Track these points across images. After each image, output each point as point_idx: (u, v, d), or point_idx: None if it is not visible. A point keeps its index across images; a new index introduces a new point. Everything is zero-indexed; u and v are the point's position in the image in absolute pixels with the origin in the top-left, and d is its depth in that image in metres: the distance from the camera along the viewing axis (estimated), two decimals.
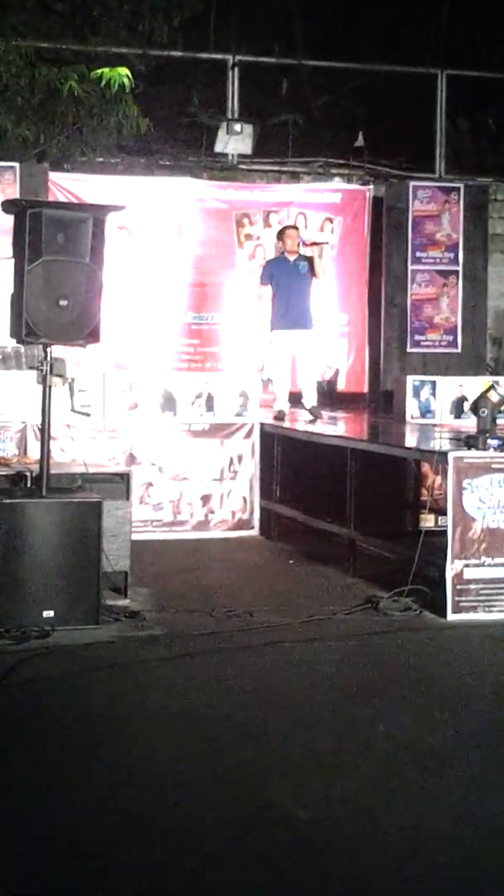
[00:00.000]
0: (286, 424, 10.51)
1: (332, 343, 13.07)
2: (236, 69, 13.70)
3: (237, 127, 13.41)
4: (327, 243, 12.63)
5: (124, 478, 8.03)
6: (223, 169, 13.50)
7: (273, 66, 14.69)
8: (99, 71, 11.94)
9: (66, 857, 4.10)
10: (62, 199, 12.11)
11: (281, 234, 11.40)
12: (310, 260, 11.01)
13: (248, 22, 15.26)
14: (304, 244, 11.34)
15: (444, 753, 5.17)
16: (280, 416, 10.74)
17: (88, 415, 9.61)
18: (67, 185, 12.53)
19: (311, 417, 10.68)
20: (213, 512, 10.15)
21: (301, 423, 10.62)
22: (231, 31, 15.06)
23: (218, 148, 13.50)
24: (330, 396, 12.36)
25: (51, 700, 5.84)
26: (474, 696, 6.01)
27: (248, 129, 13.46)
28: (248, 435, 10.30)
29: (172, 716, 5.63)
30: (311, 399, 10.92)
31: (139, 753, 5.14)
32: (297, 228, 11.67)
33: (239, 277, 13.04)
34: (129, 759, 5.07)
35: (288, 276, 10.91)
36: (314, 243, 11.43)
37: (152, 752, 5.15)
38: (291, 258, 11.03)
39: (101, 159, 12.98)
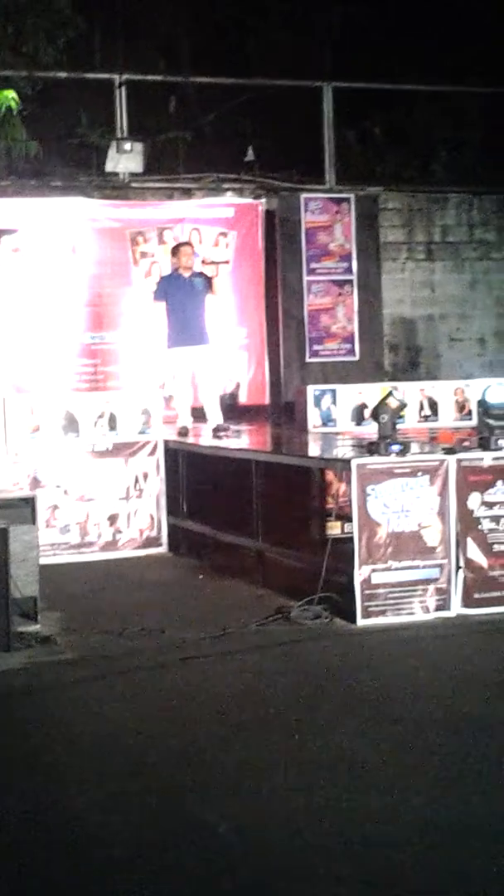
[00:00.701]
0: (190, 440, 10.52)
1: (232, 356, 13.14)
2: (123, 88, 13.70)
3: (127, 146, 13.41)
4: (226, 262, 12.67)
5: (29, 502, 7.97)
6: (115, 188, 13.49)
7: (160, 83, 14.71)
8: None
9: None
10: None
11: (175, 251, 11.39)
12: (208, 278, 11.05)
13: (134, 40, 15.29)
14: (204, 262, 11.37)
15: (365, 758, 5.21)
16: (184, 433, 10.76)
17: None
18: None
19: (224, 433, 10.64)
20: (120, 531, 10.11)
21: (205, 438, 10.64)
22: (117, 50, 15.07)
23: (109, 167, 13.48)
24: (232, 409, 12.41)
25: None
26: (389, 700, 6.06)
27: (138, 147, 13.46)
28: (153, 452, 10.28)
29: (90, 738, 5.60)
30: (215, 417, 10.93)
31: (58, 777, 5.11)
32: (191, 245, 11.69)
33: (135, 295, 13.03)
34: (47, 782, 5.04)
35: (183, 292, 10.92)
36: (213, 262, 11.48)
37: (71, 774, 5.12)
38: (186, 274, 11.04)
39: None
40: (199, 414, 11.14)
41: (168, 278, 11.34)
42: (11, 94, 11.84)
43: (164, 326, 11.04)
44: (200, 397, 11.11)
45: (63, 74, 13.90)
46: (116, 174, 13.53)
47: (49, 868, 4.23)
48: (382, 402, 8.18)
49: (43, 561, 7.97)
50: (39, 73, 13.64)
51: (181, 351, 10.94)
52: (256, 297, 13.47)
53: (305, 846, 4.33)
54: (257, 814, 4.63)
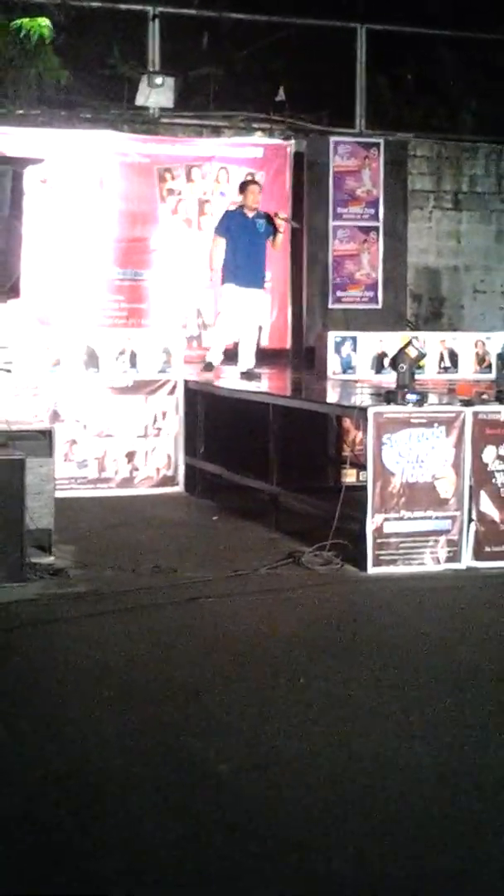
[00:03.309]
0: (210, 377, 10.51)
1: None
2: (157, 21, 13.58)
3: (158, 80, 13.31)
4: (296, 225, 12.57)
5: (47, 435, 8.02)
6: (144, 122, 13.41)
7: (194, 18, 14.57)
8: (18, 21, 11.77)
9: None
10: None
11: (243, 188, 11.22)
12: (272, 223, 10.95)
13: None
14: (277, 216, 11.25)
15: (367, 703, 5.29)
16: (209, 368, 10.69)
17: (9, 371, 9.61)
18: None
19: (251, 379, 10.61)
20: (137, 469, 10.17)
21: (231, 379, 10.67)
22: None
23: (139, 101, 13.39)
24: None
25: None
26: (394, 648, 6.13)
27: (170, 82, 13.36)
28: (172, 392, 10.31)
29: (97, 671, 5.69)
30: (248, 361, 10.89)
31: (63, 708, 5.21)
32: (258, 184, 11.53)
33: (162, 232, 13.00)
34: (54, 713, 5.13)
35: (246, 231, 10.78)
36: (286, 219, 11.40)
37: (76, 706, 5.22)
38: (250, 214, 10.93)
39: (20, 111, 12.82)
40: (229, 355, 11.15)
41: (231, 215, 11.20)
42: (45, 22, 11.76)
43: (220, 262, 10.91)
44: (239, 338, 11.05)
45: (97, 4, 13.77)
46: (146, 108, 13.44)
47: (41, 797, 4.32)
48: (402, 352, 8.20)
49: (59, 494, 8.05)
50: (73, 2, 13.52)
51: (234, 290, 10.82)
52: (283, 244, 13.40)
53: (302, 788, 4.41)
54: (256, 755, 4.71)
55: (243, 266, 10.75)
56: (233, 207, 11.35)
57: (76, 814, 4.20)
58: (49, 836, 4.01)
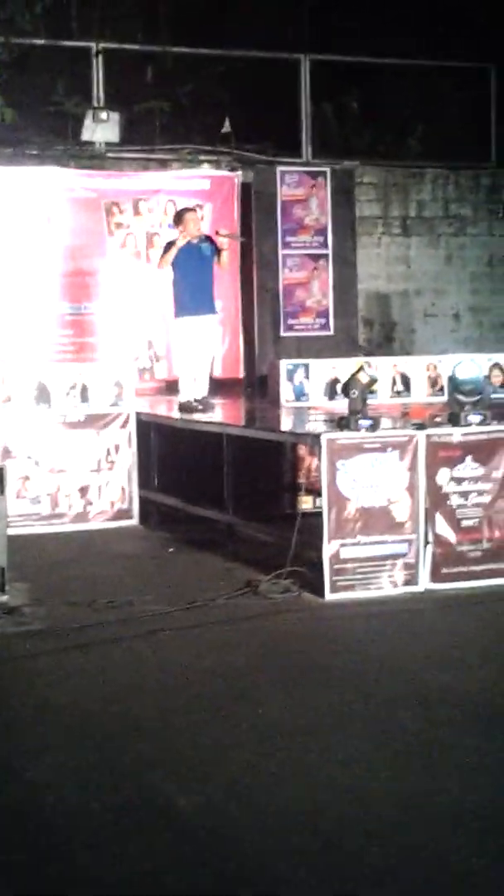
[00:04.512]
0: (183, 415, 10.24)
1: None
2: (100, 56, 13.60)
3: (103, 115, 13.33)
4: (239, 238, 12.50)
5: None
6: (91, 157, 13.40)
7: (137, 52, 14.60)
8: None
9: None
10: None
11: (179, 218, 10.87)
12: (214, 244, 10.76)
13: (111, 8, 15.13)
14: (219, 234, 11.09)
15: (328, 732, 5.24)
16: (189, 409, 10.28)
17: None
18: None
19: (203, 407, 10.37)
20: (91, 503, 10.10)
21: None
22: (94, 18, 14.93)
23: (85, 136, 13.39)
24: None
25: None
26: (354, 674, 6.09)
27: (115, 116, 13.38)
28: (125, 424, 10.26)
29: (55, 709, 5.62)
30: (203, 389, 10.72)
31: (20, 746, 5.14)
32: (194, 210, 11.31)
33: (110, 266, 12.97)
34: (11, 753, 5.05)
35: (191, 259, 10.50)
36: (228, 235, 11.22)
37: (32, 743, 5.15)
38: (194, 241, 10.79)
39: None
40: (173, 387, 11.08)
41: (175, 243, 10.78)
42: None
43: (172, 295, 10.68)
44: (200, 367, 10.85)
45: (40, 42, 13.77)
46: (92, 144, 13.44)
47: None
48: (353, 377, 8.19)
49: (12, 532, 7.99)
50: (16, 40, 13.51)
51: (189, 321, 10.53)
52: (232, 270, 13.39)
53: (266, 819, 4.36)
54: (219, 787, 4.65)
55: (195, 294, 10.56)
56: (177, 239, 11.17)
57: (32, 849, 4.11)
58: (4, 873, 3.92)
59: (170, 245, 10.64)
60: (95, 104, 13.51)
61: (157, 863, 4.02)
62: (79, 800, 4.54)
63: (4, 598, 7.45)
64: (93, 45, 13.65)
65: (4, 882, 3.90)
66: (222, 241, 10.69)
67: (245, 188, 13.46)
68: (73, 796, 4.58)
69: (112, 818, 4.37)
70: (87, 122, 13.39)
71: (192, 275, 10.52)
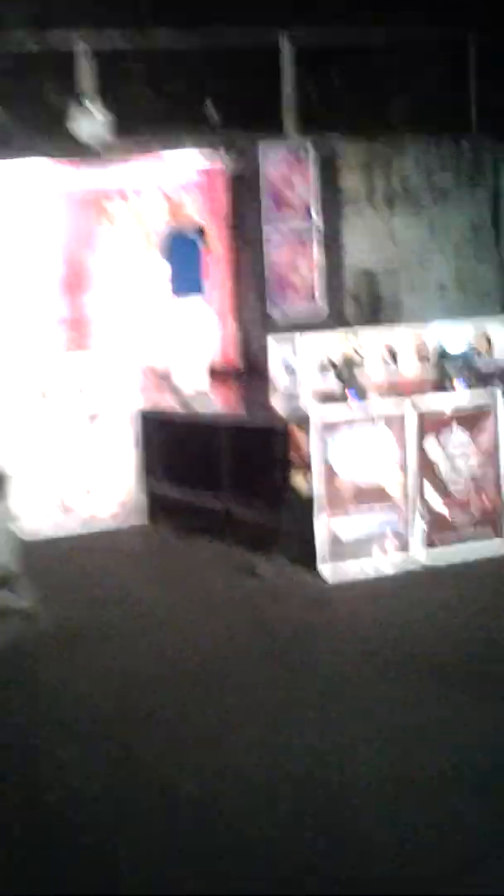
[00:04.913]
0: (193, 404, 10.43)
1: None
2: (85, 48, 13.63)
3: (91, 108, 13.38)
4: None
5: (2, 475, 7.98)
6: (80, 150, 13.42)
7: (122, 42, 14.61)
8: None
9: None
10: None
11: (170, 209, 11.14)
12: (201, 230, 10.93)
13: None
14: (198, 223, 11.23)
15: (329, 711, 5.34)
16: (184, 395, 10.55)
17: None
18: None
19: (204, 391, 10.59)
20: (97, 501, 10.07)
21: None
22: (78, 10, 14.93)
23: (72, 129, 13.43)
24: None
25: None
26: (349, 647, 6.22)
27: (101, 108, 13.42)
28: (127, 421, 10.21)
29: (63, 702, 5.76)
30: (203, 376, 10.76)
31: (34, 742, 5.26)
32: (184, 204, 11.52)
33: (104, 259, 13.01)
34: (21, 747, 5.20)
35: (185, 245, 10.92)
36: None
37: (47, 739, 5.28)
38: (183, 229, 10.90)
39: None
40: (171, 378, 11.16)
41: (170, 234, 11.23)
42: None
43: (166, 280, 10.96)
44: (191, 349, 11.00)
45: (25, 36, 13.78)
46: (81, 138, 13.47)
47: (13, 824, 4.40)
48: (341, 354, 8.30)
49: (19, 534, 7.98)
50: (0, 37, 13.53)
51: (182, 303, 10.72)
52: (219, 253, 13.47)
53: (266, 802, 4.49)
54: (223, 772, 4.78)
55: (185, 275, 10.75)
56: (167, 227, 11.35)
57: (47, 836, 4.26)
58: (18, 861, 4.08)
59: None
60: (83, 97, 13.54)
61: (170, 846, 4.17)
62: (93, 789, 4.68)
63: (16, 599, 7.47)
64: (77, 35, 13.66)
65: (19, 869, 4.02)
66: (208, 227, 10.89)
67: (231, 175, 13.49)
68: (88, 787, 4.71)
69: (124, 806, 4.52)
70: (75, 115, 13.43)
71: (183, 259, 10.69)
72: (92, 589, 7.89)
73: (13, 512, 7.75)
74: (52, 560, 8.75)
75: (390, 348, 11.63)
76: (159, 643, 6.65)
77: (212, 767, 4.83)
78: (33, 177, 12.79)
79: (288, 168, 13.56)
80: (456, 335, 8.60)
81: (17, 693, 6.01)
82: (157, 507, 10.16)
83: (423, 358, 11.63)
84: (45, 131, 13.53)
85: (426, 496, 7.91)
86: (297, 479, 8.93)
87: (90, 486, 10.06)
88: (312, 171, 13.58)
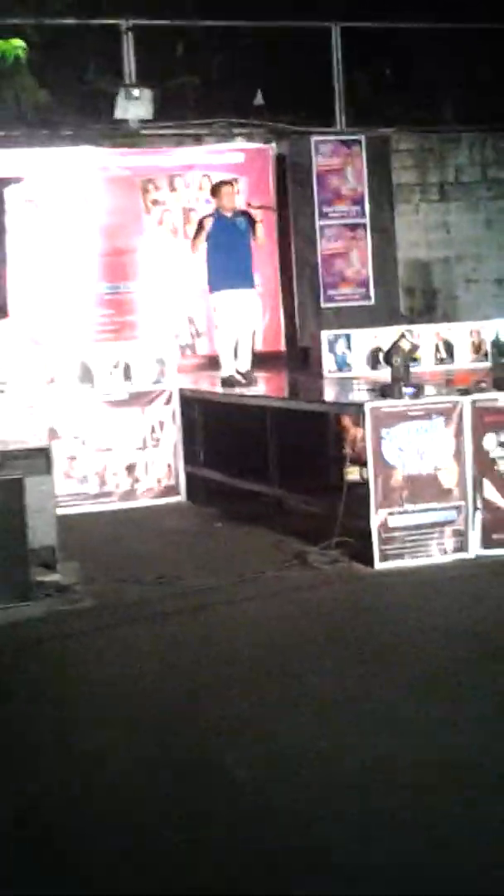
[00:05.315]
0: (225, 390, 10.32)
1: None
2: (130, 34, 13.56)
3: (135, 92, 13.29)
4: (272, 208, 12.46)
5: (45, 453, 7.97)
6: (124, 136, 13.38)
7: (167, 27, 14.55)
8: None
9: (14, 827, 4.17)
10: None
11: (216, 191, 10.90)
12: (251, 220, 10.75)
13: None
14: (251, 206, 11.08)
15: (383, 701, 5.23)
16: (230, 383, 10.35)
17: (3, 391, 9.60)
18: None
19: (246, 381, 10.39)
20: (138, 481, 10.14)
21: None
22: None
23: (118, 115, 13.36)
24: None
25: None
26: (405, 643, 6.08)
27: (147, 93, 13.33)
28: (168, 401, 10.29)
29: (108, 684, 5.66)
30: (246, 362, 10.68)
31: (76, 722, 5.18)
32: (231, 184, 11.19)
33: (148, 244, 12.98)
34: (70, 729, 5.11)
35: (227, 233, 10.49)
36: (261, 206, 11.16)
37: (89, 720, 5.20)
38: (228, 215, 10.76)
39: (1, 133, 12.81)
40: (214, 363, 11.07)
41: (209, 218, 10.82)
42: (19, 43, 11.73)
43: (207, 270, 10.68)
44: (239, 340, 10.78)
45: (71, 21, 13.76)
46: (125, 121, 13.41)
47: (58, 805, 4.31)
48: (395, 346, 8.17)
49: (61, 511, 7.97)
50: (47, 21, 13.50)
51: (226, 294, 10.56)
52: (269, 243, 13.36)
53: (320, 790, 4.36)
54: (273, 759, 4.66)
55: (232, 269, 10.56)
56: (210, 212, 11.14)
57: (88, 822, 4.17)
58: (61, 845, 3.98)
59: (199, 228, 10.64)
60: (127, 81, 13.47)
61: (213, 832, 4.06)
62: (135, 772, 4.58)
63: (55, 576, 7.46)
64: (122, 22, 13.60)
65: (62, 852, 3.93)
66: (256, 214, 10.67)
67: (279, 160, 13.42)
68: (129, 769, 4.61)
69: (174, 791, 4.40)
70: (120, 99, 13.36)
71: (227, 249, 10.51)
72: (132, 566, 7.84)
73: (54, 489, 7.67)
74: (92, 538, 8.77)
75: (445, 341, 11.53)
76: (202, 626, 6.57)
77: (258, 752, 4.73)
78: (77, 161, 12.73)
79: (340, 159, 13.46)
80: None
81: (56, 670, 5.94)
82: (199, 488, 10.15)
83: (478, 352, 11.52)
84: (90, 115, 13.49)
85: (486, 493, 7.75)
86: (352, 471, 8.86)
87: (131, 464, 10.02)
88: (365, 163, 13.46)
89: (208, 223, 10.59)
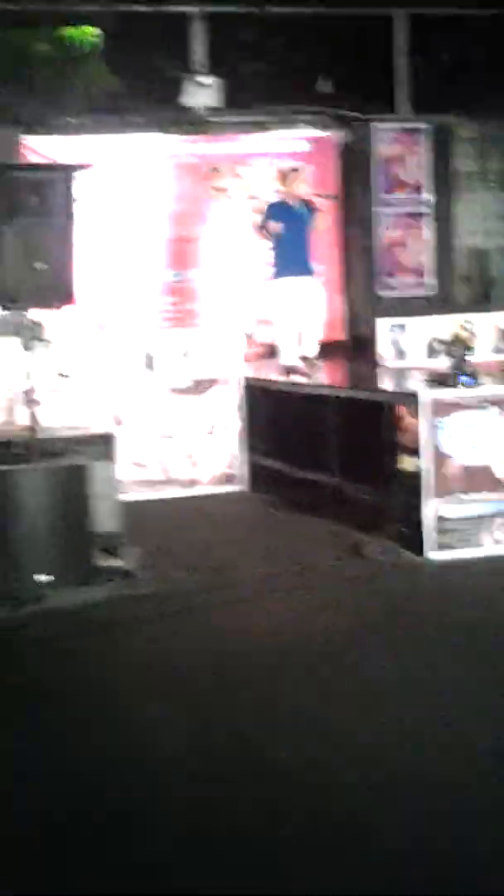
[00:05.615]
0: (300, 379, 10.44)
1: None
2: (200, 21, 13.67)
3: (204, 80, 13.42)
4: (335, 196, 12.57)
5: (109, 439, 8.14)
6: (192, 123, 13.51)
7: (235, 14, 14.62)
8: (65, 31, 11.91)
9: (68, 805, 4.34)
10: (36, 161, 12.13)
11: (283, 178, 11.09)
12: (313, 208, 10.82)
13: None
14: (316, 194, 11.18)
15: (435, 690, 5.33)
16: (291, 371, 10.52)
17: (68, 377, 9.79)
18: (40, 148, 12.56)
19: (313, 367, 10.53)
20: (200, 469, 10.26)
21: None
22: None
23: (185, 102, 13.50)
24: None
25: (47, 660, 6.02)
26: (459, 632, 6.17)
27: (215, 81, 13.46)
28: (231, 389, 10.39)
29: (167, 670, 5.80)
30: (312, 349, 10.77)
31: (135, 708, 5.33)
32: (298, 171, 11.34)
33: (213, 231, 13.11)
34: (126, 713, 5.26)
35: (290, 221, 10.63)
36: (326, 195, 11.26)
37: (147, 705, 5.34)
38: (293, 202, 10.84)
39: (70, 119, 13.00)
40: (276, 351, 11.21)
41: (275, 206, 11.04)
42: (92, 30, 11.86)
43: (269, 257, 10.82)
44: (299, 329, 10.94)
45: (141, 8, 13.87)
46: (193, 109, 13.54)
47: (109, 791, 4.48)
48: (452, 335, 8.27)
49: (124, 498, 8.11)
50: (118, 8, 13.63)
51: (286, 282, 10.70)
52: (329, 231, 13.46)
53: (367, 774, 4.49)
54: (323, 745, 4.77)
55: (293, 257, 10.68)
56: (275, 199, 11.27)
57: (144, 803, 4.33)
58: (115, 826, 4.16)
59: (266, 216, 10.73)
60: (196, 69, 13.59)
61: (269, 817, 4.20)
62: (189, 757, 4.72)
63: (119, 562, 7.64)
64: (193, 9, 13.71)
65: (116, 835, 4.11)
66: (319, 202, 10.76)
67: (342, 147, 13.48)
68: (190, 755, 4.74)
69: (225, 775, 4.53)
70: (187, 87, 13.49)
71: (290, 237, 10.63)
72: (193, 554, 8.00)
73: (117, 475, 7.86)
74: (153, 525, 8.89)
75: (502, 332, 11.57)
76: (260, 614, 6.72)
77: (313, 741, 4.84)
78: (145, 148, 12.88)
79: (400, 146, 13.48)
80: None
81: (115, 653, 6.11)
82: (259, 476, 10.26)
83: None
84: (158, 102, 13.62)
85: None
86: (406, 461, 8.97)
87: (193, 452, 10.16)
88: (425, 150, 13.48)
89: (273, 211, 10.67)
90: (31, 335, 7.30)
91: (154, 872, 3.82)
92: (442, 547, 7.69)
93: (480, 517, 7.78)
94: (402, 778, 4.47)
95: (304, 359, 10.64)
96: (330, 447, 9.09)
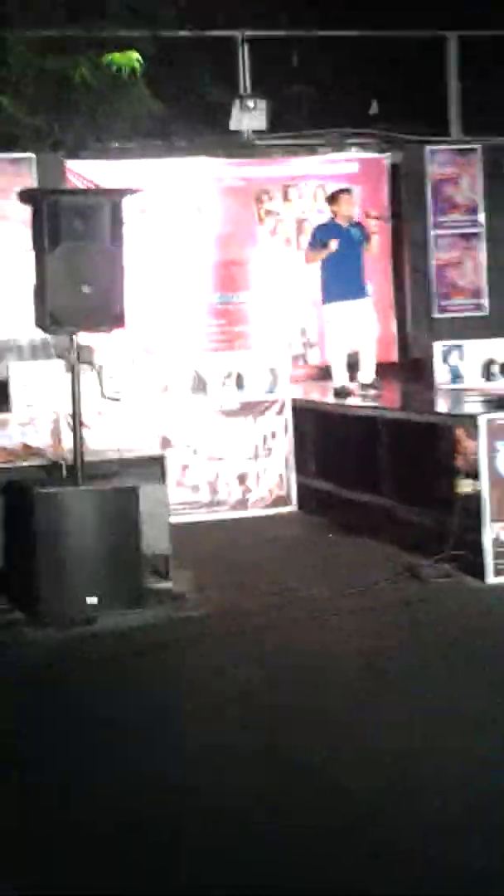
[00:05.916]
0: (337, 400, 10.36)
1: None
2: (246, 45, 13.65)
3: (250, 103, 13.38)
4: (387, 218, 12.47)
5: (159, 461, 8.07)
6: (239, 146, 13.47)
7: (281, 38, 14.61)
8: (109, 56, 11.92)
9: (117, 821, 4.26)
10: (80, 186, 12.14)
11: (334, 199, 10.92)
12: (364, 229, 10.73)
13: None
14: (368, 216, 11.12)
15: (490, 720, 5.19)
16: (343, 394, 10.41)
17: (118, 400, 9.72)
18: (85, 173, 12.56)
19: (374, 391, 10.42)
20: (250, 490, 10.18)
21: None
22: (237, 6, 14.98)
23: (232, 125, 13.46)
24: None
25: (98, 682, 5.93)
26: None
27: (262, 104, 13.41)
28: (280, 411, 10.31)
29: (219, 693, 5.70)
30: (370, 373, 10.67)
31: (189, 731, 5.23)
32: (350, 192, 11.24)
33: (262, 254, 13.05)
34: (176, 736, 5.15)
35: (341, 243, 10.51)
36: (377, 216, 11.16)
37: (201, 729, 5.24)
38: (344, 224, 10.73)
39: (116, 144, 13.00)
40: (326, 373, 11.08)
41: (325, 227, 10.90)
42: (135, 55, 11.87)
43: (320, 280, 10.76)
44: (358, 350, 10.82)
45: (185, 33, 13.89)
46: (240, 132, 13.50)
47: (169, 816, 4.34)
48: None
49: (173, 519, 8.01)
50: (161, 33, 13.65)
51: (340, 306, 10.59)
52: (383, 252, 13.36)
53: (437, 806, 4.34)
54: (390, 773, 4.64)
55: (345, 279, 10.58)
56: (325, 220, 11.17)
57: (207, 833, 4.20)
58: (170, 848, 4.02)
59: (324, 245, 10.61)
60: (242, 92, 13.57)
61: (327, 846, 4.07)
62: (250, 784, 4.60)
63: (168, 584, 7.55)
64: (237, 33, 13.70)
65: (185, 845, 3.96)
66: (371, 225, 10.66)
67: (394, 169, 13.41)
68: (243, 780, 4.64)
69: (280, 803, 4.41)
70: (235, 110, 13.46)
71: (341, 260, 10.54)
72: (243, 576, 7.88)
73: (168, 498, 7.74)
74: (203, 547, 8.81)
75: None
76: (314, 636, 6.57)
77: (378, 769, 4.69)
78: (191, 172, 12.85)
79: (455, 168, 13.39)
80: None
81: (165, 675, 6.02)
82: (309, 498, 10.16)
83: None
84: (205, 126, 13.60)
85: None
86: (464, 484, 8.78)
87: (243, 473, 10.09)
88: (480, 172, 13.38)
89: (332, 246, 10.52)
90: (78, 358, 7.20)
91: None
92: (501, 571, 7.49)
93: None
94: (472, 808, 4.31)
95: (363, 386, 10.53)
96: (383, 469, 8.94)
